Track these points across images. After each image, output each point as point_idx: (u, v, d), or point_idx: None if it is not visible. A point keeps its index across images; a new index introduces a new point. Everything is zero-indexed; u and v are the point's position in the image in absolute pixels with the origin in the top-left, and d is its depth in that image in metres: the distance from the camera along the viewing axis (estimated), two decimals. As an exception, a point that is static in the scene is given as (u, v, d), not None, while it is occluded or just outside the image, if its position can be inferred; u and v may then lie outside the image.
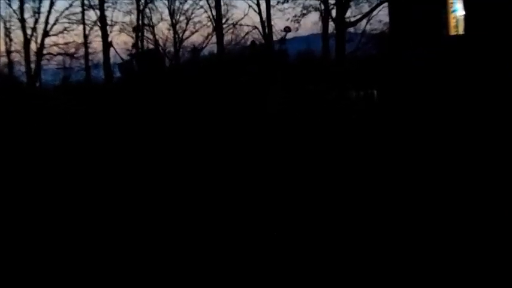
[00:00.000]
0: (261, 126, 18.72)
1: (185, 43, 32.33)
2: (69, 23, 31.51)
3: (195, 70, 28.00)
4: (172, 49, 32.19)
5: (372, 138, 14.86)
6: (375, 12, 28.68)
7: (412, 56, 19.09)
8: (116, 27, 32.19)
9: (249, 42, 30.55)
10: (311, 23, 31.85)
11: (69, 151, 15.48)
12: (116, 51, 30.68)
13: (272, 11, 30.50)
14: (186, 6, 32.63)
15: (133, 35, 31.51)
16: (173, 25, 32.28)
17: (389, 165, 11.37)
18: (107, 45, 30.68)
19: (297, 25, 29.89)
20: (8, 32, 31.19)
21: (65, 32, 31.37)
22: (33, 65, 30.88)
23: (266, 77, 25.11)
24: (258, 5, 30.86)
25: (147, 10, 32.00)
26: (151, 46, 31.61)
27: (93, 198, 9.99)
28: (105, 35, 30.98)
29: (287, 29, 29.01)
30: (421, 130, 14.77)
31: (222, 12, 31.33)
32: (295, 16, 29.91)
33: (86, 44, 31.55)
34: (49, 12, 31.10)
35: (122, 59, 30.64)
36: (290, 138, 15.67)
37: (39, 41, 31.02)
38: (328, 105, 23.13)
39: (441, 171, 10.30)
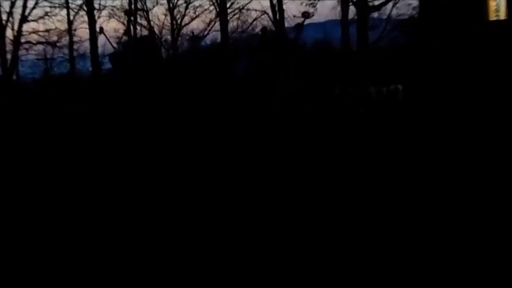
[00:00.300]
0: (265, 122, 18.61)
1: (184, 30, 30.58)
2: (50, 7, 30.14)
3: (195, 60, 26.78)
4: (169, 37, 30.42)
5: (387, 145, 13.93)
6: (402, -5, 27.12)
7: (445, 45, 18.52)
8: (105, 12, 30.59)
9: (257, 30, 29.15)
10: (328, 8, 30.19)
11: (52, 152, 15.60)
12: (108, 39, 29.09)
13: (284, -6, 28.89)
14: (185, -11, 30.96)
15: (125, 21, 29.99)
16: (170, 10, 30.66)
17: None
18: (94, 32, 29.09)
19: (312, 10, 28.37)
20: (-21, 18, 30.04)
21: (46, 17, 29.94)
22: (9, 55, 29.61)
23: (277, 66, 24.27)
24: (268, -14, 29.31)
25: (140, -8, 30.36)
26: (145, 33, 30.05)
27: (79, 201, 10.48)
28: (92, 21, 29.38)
29: (306, 15, 27.67)
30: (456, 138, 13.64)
31: (227, -5, 29.70)
32: (310, 0, 28.34)
33: (70, 31, 29.98)
34: (27, -6, 29.65)
35: (113, 47, 29.13)
36: (284, 141, 15.62)
37: (16, 27, 29.65)
38: (345, 102, 22.21)
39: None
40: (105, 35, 28.73)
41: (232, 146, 15.19)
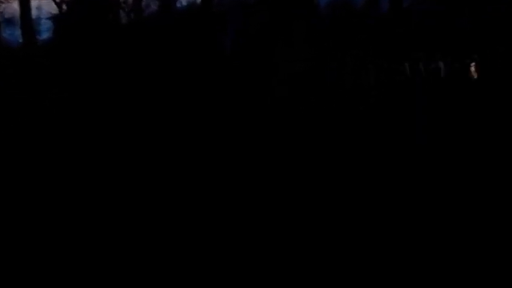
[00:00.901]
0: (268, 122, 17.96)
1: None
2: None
3: (167, 27, 24.07)
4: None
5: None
6: None
7: (470, 21, 18.61)
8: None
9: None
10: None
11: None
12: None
13: None
14: None
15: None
16: (132, -42, 26.49)
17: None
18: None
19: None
20: None
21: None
22: None
23: (278, 32, 22.69)
24: None
25: None
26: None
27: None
28: (21, -29, 24.95)
29: None
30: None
31: None
32: None
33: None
34: None
35: (59, 7, 24.34)
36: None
37: None
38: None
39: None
40: (46, -12, 24.12)
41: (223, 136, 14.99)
